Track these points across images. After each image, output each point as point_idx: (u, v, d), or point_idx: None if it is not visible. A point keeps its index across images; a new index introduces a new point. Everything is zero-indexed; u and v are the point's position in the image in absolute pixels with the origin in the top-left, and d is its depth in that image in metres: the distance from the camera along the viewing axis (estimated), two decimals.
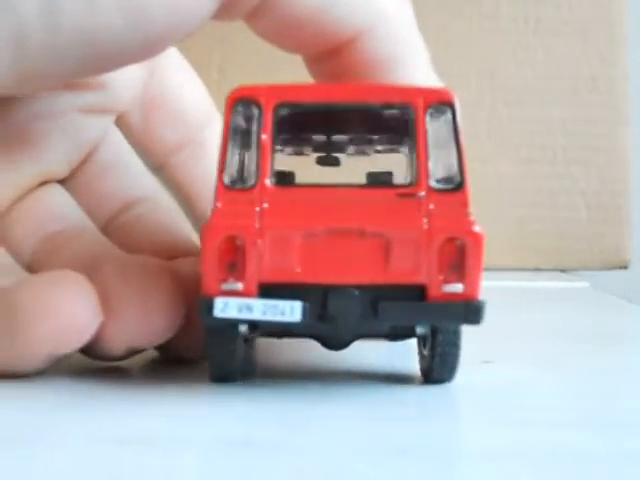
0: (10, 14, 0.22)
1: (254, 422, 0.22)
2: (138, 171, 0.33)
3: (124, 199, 0.32)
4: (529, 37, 0.68)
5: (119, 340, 0.26)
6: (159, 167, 0.33)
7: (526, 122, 0.67)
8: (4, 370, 0.25)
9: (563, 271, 0.67)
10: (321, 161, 0.30)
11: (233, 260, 0.24)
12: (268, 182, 0.24)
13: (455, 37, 0.66)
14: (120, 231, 0.31)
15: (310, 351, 0.31)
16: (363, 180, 0.28)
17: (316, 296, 0.24)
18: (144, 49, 0.25)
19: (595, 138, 0.68)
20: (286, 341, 0.32)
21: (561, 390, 0.27)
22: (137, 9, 0.23)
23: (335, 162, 0.30)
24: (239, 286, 0.23)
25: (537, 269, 0.67)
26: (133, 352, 0.27)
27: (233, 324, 0.24)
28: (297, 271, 0.24)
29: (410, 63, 0.28)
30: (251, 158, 0.24)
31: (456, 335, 0.25)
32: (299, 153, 0.31)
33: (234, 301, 0.23)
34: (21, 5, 0.22)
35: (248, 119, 0.25)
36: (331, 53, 0.27)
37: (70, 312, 0.24)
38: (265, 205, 0.24)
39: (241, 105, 0.24)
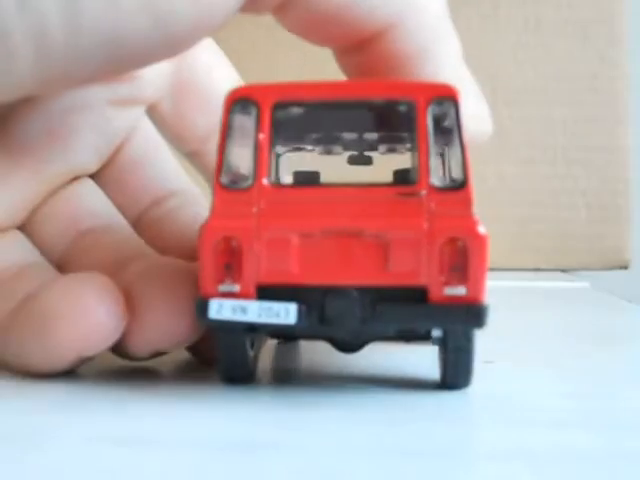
0: (30, 12, 0.22)
1: (256, 424, 0.22)
2: (169, 165, 0.33)
3: (155, 193, 0.32)
4: (529, 37, 0.68)
5: (143, 342, 0.26)
6: (192, 154, 0.33)
7: (526, 122, 0.67)
8: (35, 369, 0.26)
9: (563, 271, 0.67)
10: (352, 161, 0.29)
11: (230, 261, 0.23)
12: (265, 182, 0.24)
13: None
14: (150, 227, 0.31)
15: (322, 354, 0.31)
16: (390, 177, 0.27)
17: (314, 298, 0.23)
18: (169, 48, 0.24)
19: (595, 138, 0.68)
20: (302, 343, 0.32)
21: (561, 390, 0.27)
22: (161, 8, 0.23)
23: (367, 161, 0.29)
24: (236, 288, 0.23)
25: (537, 269, 0.67)
26: (158, 353, 0.27)
27: (239, 326, 0.24)
28: (295, 272, 0.23)
29: (440, 56, 0.27)
30: (249, 158, 0.24)
31: (468, 339, 0.24)
32: (328, 152, 0.30)
33: (229, 303, 0.23)
34: (42, 4, 0.22)
35: (246, 119, 0.24)
36: (361, 46, 0.26)
37: (97, 317, 0.25)
38: (262, 206, 0.24)
39: (239, 105, 0.24)
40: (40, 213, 0.30)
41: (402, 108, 0.24)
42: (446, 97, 0.24)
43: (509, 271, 0.65)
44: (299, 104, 0.24)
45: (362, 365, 0.29)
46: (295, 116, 0.25)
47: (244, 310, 0.23)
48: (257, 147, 0.24)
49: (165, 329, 0.25)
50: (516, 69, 0.68)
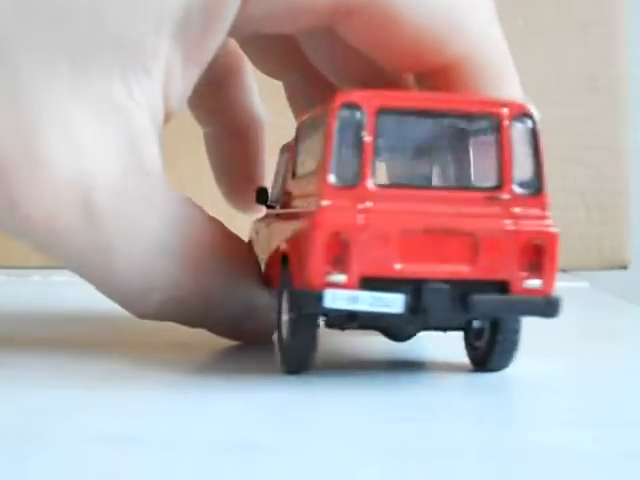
0: None
1: (256, 424, 0.22)
2: None
3: None
4: (529, 37, 0.68)
5: None
6: None
7: None
8: None
9: (563, 271, 0.67)
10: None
11: (337, 254, 0.25)
12: (370, 182, 0.25)
13: None
14: None
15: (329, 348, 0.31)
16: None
17: (410, 289, 0.25)
18: None
19: (595, 138, 0.68)
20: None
21: (561, 390, 0.27)
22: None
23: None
24: (343, 279, 0.25)
25: None
26: None
27: (314, 315, 0.26)
28: (394, 266, 0.25)
29: (509, 78, 0.32)
30: (355, 159, 0.26)
31: (519, 325, 0.27)
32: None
33: (343, 292, 0.25)
34: None
35: (352, 122, 0.26)
36: (434, 74, 0.30)
37: None
38: (367, 204, 0.25)
39: (345, 109, 0.26)
40: None
41: (488, 122, 0.27)
42: (526, 113, 0.27)
43: None
44: (400, 111, 0.26)
45: (360, 360, 0.29)
46: (392, 121, 0.27)
47: (356, 300, 0.25)
48: (363, 149, 0.26)
49: None
50: (516, 69, 0.68)
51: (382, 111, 0.26)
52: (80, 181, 0.27)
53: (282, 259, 0.27)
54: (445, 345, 0.31)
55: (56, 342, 0.33)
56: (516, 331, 0.28)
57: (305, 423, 0.22)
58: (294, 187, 0.29)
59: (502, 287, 0.26)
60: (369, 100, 0.26)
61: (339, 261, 0.25)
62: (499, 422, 0.23)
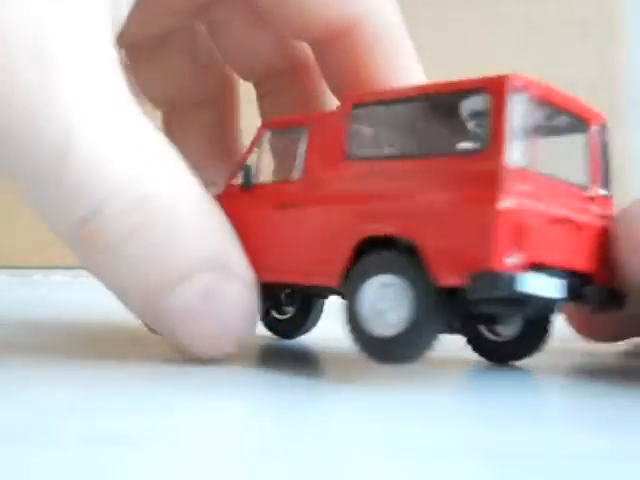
0: None
1: (256, 423, 0.22)
2: None
3: None
4: (529, 37, 0.68)
5: None
6: None
7: None
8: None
9: None
10: None
11: (514, 239, 0.25)
12: (533, 168, 0.26)
13: (455, 37, 0.66)
14: None
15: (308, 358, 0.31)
16: None
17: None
18: None
19: None
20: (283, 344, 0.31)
21: (560, 389, 0.27)
22: None
23: None
24: (517, 262, 0.25)
25: None
26: None
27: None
28: (549, 253, 0.26)
29: (409, 51, 0.32)
30: (521, 144, 0.25)
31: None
32: None
33: (535, 276, 0.25)
34: None
35: (520, 107, 0.26)
36: (334, 39, 0.31)
37: None
38: (536, 190, 0.26)
39: (517, 94, 0.25)
40: None
41: (581, 124, 0.29)
42: (604, 124, 0.29)
43: None
44: (544, 101, 0.27)
45: (360, 360, 0.29)
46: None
47: (539, 284, 0.25)
48: (527, 135, 0.26)
49: None
50: (516, 69, 0.68)
51: (537, 99, 0.26)
52: (36, 37, 0.27)
53: (359, 245, 0.27)
54: (444, 344, 0.31)
55: (56, 342, 0.33)
56: (554, 314, 0.29)
57: (305, 423, 0.22)
58: (360, 168, 0.28)
59: (590, 279, 0.27)
60: (531, 88, 0.26)
61: (514, 245, 0.25)
62: (497, 423, 0.23)
